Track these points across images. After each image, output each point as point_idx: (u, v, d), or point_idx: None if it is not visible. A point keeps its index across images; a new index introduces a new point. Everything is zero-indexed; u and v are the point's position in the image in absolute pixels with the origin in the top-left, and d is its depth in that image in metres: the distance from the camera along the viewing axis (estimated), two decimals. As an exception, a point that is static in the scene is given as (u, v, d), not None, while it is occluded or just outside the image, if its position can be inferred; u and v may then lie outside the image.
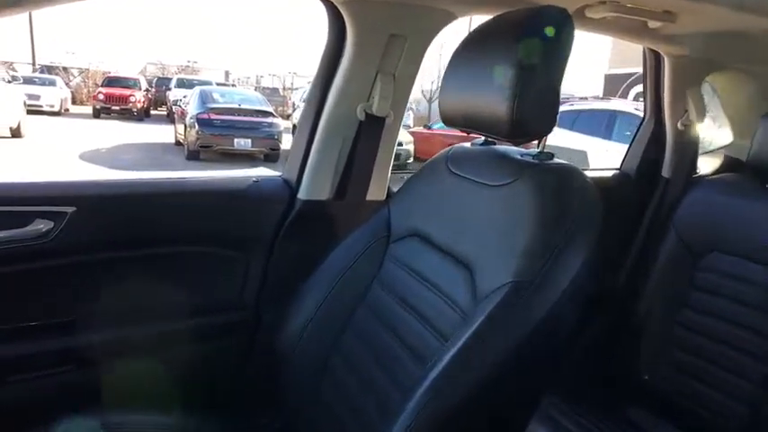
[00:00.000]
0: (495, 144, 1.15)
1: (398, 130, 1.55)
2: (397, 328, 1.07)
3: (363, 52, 1.40)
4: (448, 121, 1.09)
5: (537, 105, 0.92)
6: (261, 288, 1.50)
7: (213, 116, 9.95)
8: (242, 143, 9.96)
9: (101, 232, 1.28)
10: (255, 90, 19.63)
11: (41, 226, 1.20)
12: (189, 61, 31.39)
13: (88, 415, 1.09)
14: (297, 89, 23.26)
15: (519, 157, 1.03)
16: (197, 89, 11.56)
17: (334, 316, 1.16)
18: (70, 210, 1.22)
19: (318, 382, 1.17)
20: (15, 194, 1.21)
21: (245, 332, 1.48)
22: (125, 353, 1.35)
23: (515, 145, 1.05)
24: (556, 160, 1.01)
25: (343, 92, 1.44)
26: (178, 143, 11.56)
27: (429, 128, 11.85)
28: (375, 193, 1.55)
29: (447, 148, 1.20)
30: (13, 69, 18.45)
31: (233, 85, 23.33)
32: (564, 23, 0.91)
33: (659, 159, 2.11)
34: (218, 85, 17.12)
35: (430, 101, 18.72)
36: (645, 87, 2.10)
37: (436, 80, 18.78)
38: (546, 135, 0.99)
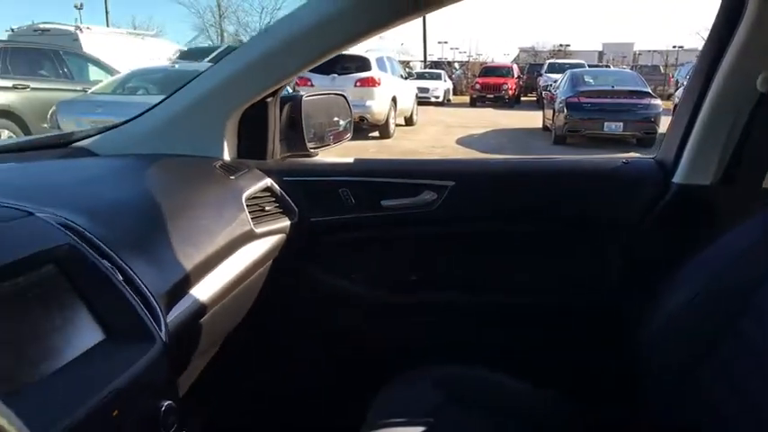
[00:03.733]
0: None
1: None
2: None
3: None
4: None
5: None
6: (622, 276, 1.38)
7: (583, 99, 9.69)
8: (612, 127, 9.45)
9: (473, 206, 1.40)
10: (632, 69, 18.35)
11: (428, 196, 1.36)
12: (561, 45, 31.40)
13: (449, 364, 1.18)
14: (682, 65, 20.79)
15: None
16: (567, 72, 11.45)
17: (706, 318, 0.99)
18: (450, 183, 1.35)
19: (685, 396, 0.99)
20: (411, 169, 1.44)
21: (599, 318, 1.40)
22: (479, 318, 1.45)
23: None
24: None
25: (740, 57, 1.16)
26: (545, 128, 11.69)
27: None
28: None
29: None
30: (410, 68, 21.58)
31: (606, 66, 22.39)
32: None
33: None
34: (590, 66, 16.64)
35: None
36: None
37: None
38: None
